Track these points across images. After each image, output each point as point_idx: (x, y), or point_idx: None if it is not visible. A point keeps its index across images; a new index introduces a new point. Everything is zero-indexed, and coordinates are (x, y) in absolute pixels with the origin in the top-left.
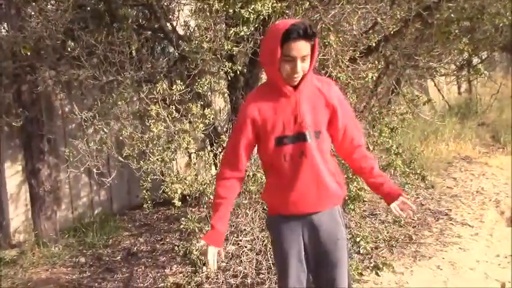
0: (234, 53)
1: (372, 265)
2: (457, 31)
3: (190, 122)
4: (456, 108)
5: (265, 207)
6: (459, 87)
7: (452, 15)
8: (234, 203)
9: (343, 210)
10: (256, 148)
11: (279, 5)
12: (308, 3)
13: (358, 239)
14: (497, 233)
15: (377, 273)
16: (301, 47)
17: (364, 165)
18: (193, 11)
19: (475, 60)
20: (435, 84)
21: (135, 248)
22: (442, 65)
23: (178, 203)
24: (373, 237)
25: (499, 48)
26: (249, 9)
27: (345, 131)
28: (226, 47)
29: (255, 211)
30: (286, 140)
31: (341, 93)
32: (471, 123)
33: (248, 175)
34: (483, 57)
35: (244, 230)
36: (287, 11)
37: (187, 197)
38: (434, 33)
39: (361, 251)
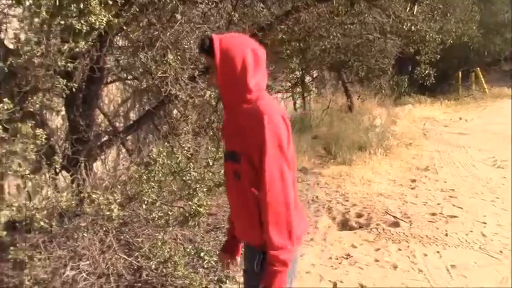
0: (70, 69)
1: (216, 278)
2: (288, 51)
3: (22, 143)
4: (293, 122)
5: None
6: (294, 104)
7: (283, 36)
8: None
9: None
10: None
11: (116, 20)
12: (147, 20)
13: (202, 254)
14: (330, 237)
15: (220, 287)
16: (207, 61)
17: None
18: (21, 23)
19: (308, 78)
20: None
21: None
22: (275, 82)
23: (1, 233)
24: (217, 250)
25: (327, 68)
26: (82, 21)
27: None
28: (59, 63)
29: (95, 233)
30: (225, 156)
31: (270, 132)
32: (306, 136)
33: (84, 196)
34: (314, 76)
35: (84, 254)
36: (124, 27)
37: (17, 224)
38: (268, 53)
39: (206, 265)
